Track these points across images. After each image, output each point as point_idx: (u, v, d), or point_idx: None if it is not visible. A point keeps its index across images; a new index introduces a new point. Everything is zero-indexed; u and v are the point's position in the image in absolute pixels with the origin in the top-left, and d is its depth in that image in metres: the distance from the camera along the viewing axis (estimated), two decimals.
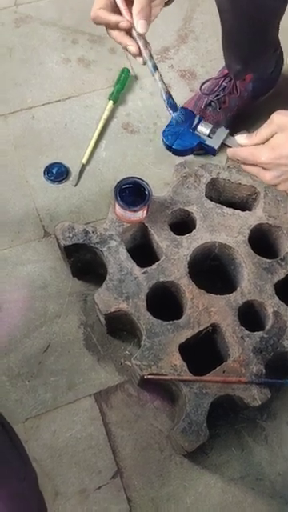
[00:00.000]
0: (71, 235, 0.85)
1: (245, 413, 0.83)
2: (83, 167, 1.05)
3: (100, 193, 1.03)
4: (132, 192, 0.84)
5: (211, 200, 0.89)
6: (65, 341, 0.89)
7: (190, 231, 0.86)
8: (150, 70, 0.65)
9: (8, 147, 1.06)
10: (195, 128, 0.67)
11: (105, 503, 0.78)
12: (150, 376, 0.75)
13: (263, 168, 0.61)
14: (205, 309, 0.80)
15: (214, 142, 0.67)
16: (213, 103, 1.03)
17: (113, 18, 0.63)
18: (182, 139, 0.67)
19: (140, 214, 0.85)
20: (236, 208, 0.89)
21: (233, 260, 0.87)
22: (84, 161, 1.05)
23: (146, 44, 0.64)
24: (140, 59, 0.65)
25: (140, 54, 0.64)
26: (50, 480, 0.79)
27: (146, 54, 0.64)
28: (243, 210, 0.89)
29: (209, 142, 0.67)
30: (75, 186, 1.03)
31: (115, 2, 0.63)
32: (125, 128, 1.10)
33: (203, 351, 0.81)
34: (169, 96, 0.66)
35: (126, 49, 0.65)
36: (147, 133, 1.10)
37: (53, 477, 0.79)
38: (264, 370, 0.76)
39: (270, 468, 0.81)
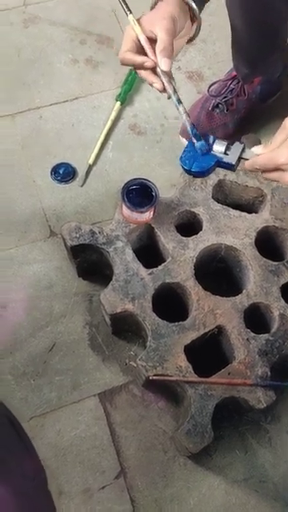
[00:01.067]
0: (78, 235, 0.85)
1: (249, 415, 0.83)
2: (90, 168, 1.05)
3: (106, 193, 1.04)
4: (139, 193, 0.85)
5: (218, 202, 0.89)
6: (70, 340, 0.89)
7: (197, 233, 0.87)
8: (175, 104, 0.67)
9: (15, 147, 1.07)
10: (211, 148, 0.68)
11: (108, 503, 0.78)
12: (155, 377, 0.75)
13: (283, 170, 0.61)
14: (210, 311, 0.80)
15: (231, 158, 0.67)
16: (220, 105, 1.04)
17: (138, 58, 0.66)
18: (199, 161, 0.68)
19: (147, 215, 0.85)
20: (242, 210, 0.89)
21: (239, 262, 0.87)
22: (91, 161, 1.05)
23: (170, 80, 0.67)
24: (165, 94, 0.67)
25: (165, 90, 0.67)
26: (54, 479, 0.79)
27: (170, 90, 0.66)
28: (250, 212, 0.89)
29: (226, 159, 0.67)
30: (82, 186, 1.04)
31: (140, 43, 0.66)
32: (132, 129, 1.10)
33: (208, 353, 0.81)
34: (193, 127, 0.68)
35: (151, 85, 0.68)
36: (154, 134, 1.10)
37: (57, 476, 0.79)
38: (269, 373, 0.76)
39: (274, 470, 0.81)
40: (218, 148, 0.68)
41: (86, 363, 0.87)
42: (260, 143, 0.91)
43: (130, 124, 1.11)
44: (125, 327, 0.87)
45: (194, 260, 0.84)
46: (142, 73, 0.68)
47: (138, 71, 0.68)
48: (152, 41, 0.66)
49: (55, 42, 1.20)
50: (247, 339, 0.78)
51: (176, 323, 0.79)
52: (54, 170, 1.04)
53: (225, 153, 0.67)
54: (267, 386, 0.74)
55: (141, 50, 0.67)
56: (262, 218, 0.87)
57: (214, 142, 0.68)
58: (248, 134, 0.90)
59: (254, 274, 0.83)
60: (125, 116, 1.12)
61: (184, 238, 0.86)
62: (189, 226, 0.89)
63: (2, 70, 1.15)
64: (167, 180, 1.04)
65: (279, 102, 1.09)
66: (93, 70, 1.17)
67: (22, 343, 0.88)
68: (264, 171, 0.64)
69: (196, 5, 0.68)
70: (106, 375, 0.86)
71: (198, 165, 0.68)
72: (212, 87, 1.05)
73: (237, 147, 0.67)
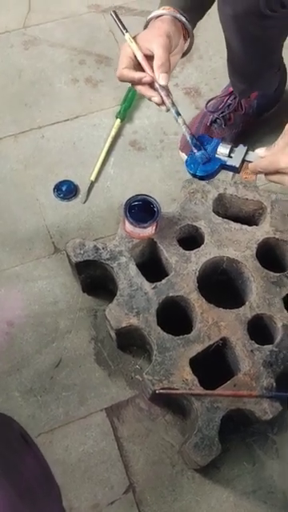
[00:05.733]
0: (82, 252, 0.86)
1: (255, 426, 0.83)
2: (92, 184, 1.07)
3: (108, 209, 1.05)
4: (141, 209, 0.86)
5: (218, 215, 0.91)
6: (76, 356, 0.90)
7: (199, 246, 0.88)
8: (174, 116, 0.70)
9: (18, 166, 1.09)
10: (212, 157, 0.70)
11: None
12: (161, 390, 0.76)
13: (284, 173, 0.63)
14: (214, 323, 0.81)
15: (235, 161, 0.69)
16: (218, 120, 1.06)
17: (136, 75, 0.69)
18: (204, 165, 0.70)
19: (149, 230, 0.86)
20: (243, 223, 0.90)
21: (241, 274, 0.88)
22: (92, 178, 1.07)
23: (168, 93, 0.70)
24: (163, 107, 0.70)
25: (163, 103, 0.70)
26: (63, 495, 0.78)
27: (168, 103, 0.69)
28: (250, 224, 0.90)
29: (230, 161, 0.69)
30: (84, 202, 1.06)
31: (137, 60, 0.69)
32: (132, 145, 1.13)
33: (214, 365, 0.81)
34: (193, 137, 0.70)
35: (150, 99, 0.71)
36: (154, 150, 1.12)
37: (66, 492, 0.79)
38: (274, 384, 0.76)
39: (282, 481, 0.81)
40: (222, 151, 0.69)
41: (93, 378, 0.88)
42: (258, 158, 0.93)
43: (130, 140, 1.13)
44: (130, 341, 0.88)
45: (197, 273, 0.85)
46: (141, 88, 0.70)
47: (136, 87, 0.71)
48: (148, 57, 0.69)
49: (55, 63, 1.23)
50: (251, 351, 0.79)
51: (181, 336, 0.80)
52: (57, 188, 1.06)
53: (229, 155, 0.69)
54: (273, 397, 0.75)
55: (137, 67, 0.70)
56: (263, 230, 0.89)
57: (218, 144, 0.70)
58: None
59: (257, 286, 0.84)
60: (125, 133, 1.14)
61: (186, 252, 0.87)
62: (191, 240, 0.90)
63: (4, 92, 1.18)
64: (168, 194, 1.05)
65: (276, 115, 1.11)
66: (93, 89, 1.19)
67: (29, 360, 0.89)
68: (266, 174, 0.66)
69: (189, 22, 0.72)
70: (112, 390, 0.87)
71: (202, 168, 0.70)
72: (209, 103, 1.07)
73: (240, 150, 0.69)
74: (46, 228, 1.02)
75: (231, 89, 1.05)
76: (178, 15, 0.71)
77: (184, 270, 0.85)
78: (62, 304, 0.95)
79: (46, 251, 1.00)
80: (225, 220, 0.90)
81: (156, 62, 0.67)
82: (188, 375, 0.77)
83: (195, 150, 0.70)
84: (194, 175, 0.71)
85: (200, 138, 0.71)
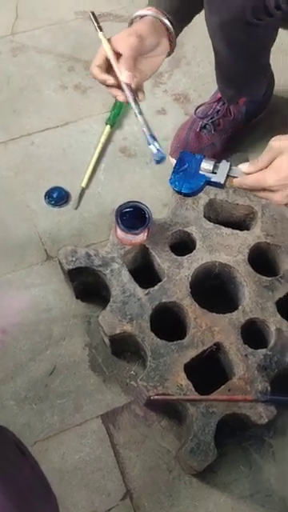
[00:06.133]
0: (74, 259, 0.86)
1: (252, 430, 0.84)
2: (83, 191, 1.07)
3: (100, 215, 1.05)
4: (132, 215, 0.87)
5: (209, 220, 0.92)
6: (70, 363, 0.89)
7: (191, 251, 0.88)
8: (135, 114, 0.71)
9: (9, 173, 1.08)
10: (199, 167, 0.70)
11: None
12: (156, 397, 0.76)
13: (271, 191, 0.64)
14: (208, 328, 0.82)
15: (219, 177, 0.68)
16: (208, 126, 1.07)
17: (103, 76, 0.70)
18: (189, 182, 0.70)
19: (141, 237, 0.87)
20: (234, 228, 0.91)
21: (233, 279, 0.89)
22: (83, 184, 1.07)
23: (135, 95, 0.71)
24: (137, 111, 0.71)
25: (127, 102, 0.71)
26: (60, 503, 0.78)
27: (131, 101, 0.70)
28: (241, 229, 0.91)
29: (214, 178, 0.69)
30: (76, 209, 1.06)
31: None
32: (122, 152, 1.13)
33: (208, 369, 0.82)
34: (151, 137, 0.71)
35: (115, 98, 0.73)
36: (144, 156, 1.12)
37: (63, 500, 0.79)
38: (269, 388, 0.77)
39: (279, 484, 0.82)
40: (206, 167, 0.69)
41: (87, 385, 0.88)
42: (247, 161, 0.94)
43: (120, 147, 1.13)
44: (124, 348, 0.88)
45: (190, 278, 0.86)
46: (107, 88, 0.72)
47: (105, 86, 0.72)
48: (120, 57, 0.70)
49: (44, 70, 1.23)
50: (245, 355, 0.80)
51: (175, 342, 0.81)
52: (48, 195, 1.06)
53: (213, 171, 0.69)
54: (268, 401, 0.75)
55: (110, 67, 0.71)
56: (254, 235, 0.90)
57: (201, 160, 0.70)
58: (236, 154, 0.93)
59: (249, 290, 0.85)
60: (115, 139, 1.14)
61: (178, 258, 0.88)
62: (182, 245, 0.91)
63: None
64: (159, 200, 1.06)
65: (265, 120, 1.13)
66: (82, 96, 1.19)
67: (23, 367, 0.89)
68: (252, 190, 0.66)
69: (175, 23, 0.73)
70: (107, 396, 0.87)
71: (187, 186, 0.70)
72: (199, 109, 1.08)
73: (224, 166, 0.69)
74: (38, 235, 1.02)
75: (220, 95, 1.06)
76: (160, 16, 0.71)
77: (176, 276, 0.86)
78: (55, 311, 0.94)
79: (39, 258, 1.00)
80: (216, 225, 0.91)
81: (120, 61, 0.69)
82: (182, 380, 0.77)
83: (155, 151, 0.70)
84: (179, 192, 0.71)
85: (183, 156, 0.71)
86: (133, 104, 0.70)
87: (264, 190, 0.65)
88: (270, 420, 0.74)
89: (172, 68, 1.25)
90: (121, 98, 0.71)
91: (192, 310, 0.83)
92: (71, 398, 0.86)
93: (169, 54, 0.76)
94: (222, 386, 0.77)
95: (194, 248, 0.89)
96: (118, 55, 0.70)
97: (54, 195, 1.06)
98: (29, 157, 1.11)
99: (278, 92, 1.15)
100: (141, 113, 0.70)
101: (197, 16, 0.82)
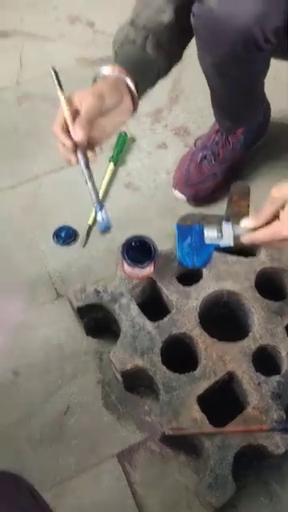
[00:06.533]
0: (83, 296, 0.87)
1: (270, 460, 0.81)
2: (90, 228, 1.09)
3: (108, 250, 1.07)
4: (138, 249, 0.88)
5: (214, 249, 0.92)
6: (84, 401, 0.89)
7: (197, 281, 0.89)
8: (85, 178, 0.70)
9: (18, 215, 1.12)
10: (202, 237, 0.68)
11: None
12: (171, 432, 0.75)
13: (286, 239, 0.63)
14: (219, 358, 0.81)
15: (228, 240, 0.66)
16: (208, 157, 1.09)
17: (62, 137, 0.69)
18: (198, 254, 0.68)
19: (148, 270, 0.87)
20: (239, 254, 0.91)
21: (242, 306, 0.88)
22: (90, 222, 1.10)
23: (85, 154, 0.69)
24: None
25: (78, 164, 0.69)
26: None
27: (82, 164, 0.69)
28: (246, 255, 0.91)
29: (222, 242, 0.67)
30: (84, 246, 1.08)
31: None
32: (127, 187, 1.16)
33: (222, 400, 0.80)
34: (99, 204, 0.72)
35: (67, 162, 0.71)
36: (148, 189, 1.15)
37: None
38: (284, 416, 0.75)
39: None
40: (211, 235, 0.67)
41: (102, 423, 0.87)
42: (249, 190, 0.94)
43: (124, 183, 1.16)
44: (137, 382, 0.88)
45: (198, 308, 0.85)
46: (61, 149, 0.70)
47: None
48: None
49: (49, 115, 1.26)
50: (259, 383, 0.78)
51: (186, 374, 0.80)
52: (56, 234, 1.09)
53: (217, 236, 0.67)
54: (284, 429, 0.74)
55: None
56: (260, 261, 0.90)
57: (202, 230, 0.67)
58: (236, 182, 0.94)
59: (258, 317, 0.84)
60: (119, 175, 1.17)
61: (186, 288, 0.88)
62: (189, 275, 0.91)
63: (1, 145, 1.23)
64: (164, 231, 1.06)
65: (263, 147, 1.15)
66: None
67: (37, 409, 0.88)
68: (264, 244, 0.65)
69: (140, 84, 0.72)
70: (122, 434, 0.86)
71: (199, 259, 0.68)
72: (198, 141, 1.11)
73: (227, 227, 0.66)
74: (48, 274, 1.04)
75: (218, 126, 1.08)
76: (123, 76, 0.71)
77: (185, 307, 0.86)
78: (66, 349, 0.95)
79: (49, 297, 1.01)
80: (221, 253, 0.91)
81: (76, 121, 0.67)
82: (197, 413, 0.76)
83: (100, 219, 0.71)
84: (193, 267, 0.68)
85: (180, 230, 0.69)
86: (83, 167, 0.68)
87: (281, 241, 0.64)
88: (287, 450, 0.72)
89: (171, 104, 1.28)
90: (72, 160, 0.69)
91: (202, 340, 0.83)
92: (86, 438, 0.86)
93: (132, 112, 0.75)
94: (237, 417, 0.76)
95: (201, 277, 0.89)
96: (78, 113, 0.69)
97: (62, 234, 1.08)
98: (37, 198, 1.14)
99: (274, 119, 1.17)
100: (91, 178, 0.69)
101: (192, 53, 0.84)
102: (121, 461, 0.83)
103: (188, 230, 0.68)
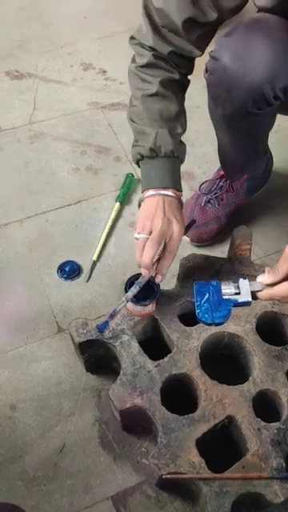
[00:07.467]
0: (85, 331, 0.88)
1: (268, 510, 0.79)
2: (94, 264, 1.11)
3: (110, 287, 1.09)
4: (141, 287, 0.89)
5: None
6: (80, 440, 0.88)
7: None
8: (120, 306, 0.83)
9: (24, 249, 1.14)
10: (220, 293, 0.68)
11: None
12: (168, 476, 0.74)
13: None
14: (219, 400, 0.81)
15: (245, 296, 0.66)
16: (212, 201, 1.12)
17: (148, 268, 0.81)
18: (217, 310, 0.68)
19: (150, 308, 0.88)
20: None
21: (242, 349, 0.89)
22: (94, 258, 1.12)
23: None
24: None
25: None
26: None
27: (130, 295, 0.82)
28: None
29: (241, 298, 0.67)
30: (87, 281, 1.09)
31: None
32: (131, 226, 1.18)
33: (221, 444, 0.79)
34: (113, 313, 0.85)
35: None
36: None
37: None
38: (284, 464, 0.74)
39: None
40: (228, 290, 0.67)
41: (97, 464, 0.85)
42: (251, 235, 0.97)
43: (129, 222, 1.19)
44: (135, 422, 0.87)
45: (199, 349, 0.86)
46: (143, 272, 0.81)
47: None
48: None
49: (58, 154, 1.32)
50: (258, 429, 0.78)
51: (186, 416, 0.79)
52: (60, 268, 1.10)
53: (235, 293, 0.67)
54: (283, 478, 0.72)
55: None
56: (261, 304, 0.91)
57: (218, 286, 0.67)
58: (239, 227, 0.97)
59: (259, 360, 0.84)
60: (124, 214, 1.20)
61: (187, 328, 0.88)
62: (191, 315, 0.92)
63: (12, 181, 1.26)
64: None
65: (265, 194, 1.19)
66: (93, 176, 1.28)
67: (32, 445, 0.87)
68: (282, 301, 0.65)
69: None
70: (118, 475, 0.84)
71: (218, 315, 0.68)
72: (203, 185, 1.14)
73: (244, 283, 0.67)
74: (50, 307, 1.05)
75: (222, 172, 1.12)
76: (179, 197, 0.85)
77: (186, 347, 0.86)
78: (65, 385, 0.94)
79: (50, 331, 1.02)
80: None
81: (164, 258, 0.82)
82: (195, 457, 0.75)
83: (109, 318, 0.83)
84: (213, 324, 0.69)
85: (198, 287, 0.70)
86: (125, 302, 0.82)
87: None
88: (286, 499, 0.71)
89: None
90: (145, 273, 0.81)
91: (202, 382, 0.82)
92: (81, 478, 0.84)
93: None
94: (236, 464, 0.75)
95: None
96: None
97: (67, 269, 1.10)
98: (43, 233, 1.17)
99: (276, 169, 1.22)
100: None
101: (200, 104, 0.90)
102: (115, 504, 0.81)
103: (205, 286, 0.69)
